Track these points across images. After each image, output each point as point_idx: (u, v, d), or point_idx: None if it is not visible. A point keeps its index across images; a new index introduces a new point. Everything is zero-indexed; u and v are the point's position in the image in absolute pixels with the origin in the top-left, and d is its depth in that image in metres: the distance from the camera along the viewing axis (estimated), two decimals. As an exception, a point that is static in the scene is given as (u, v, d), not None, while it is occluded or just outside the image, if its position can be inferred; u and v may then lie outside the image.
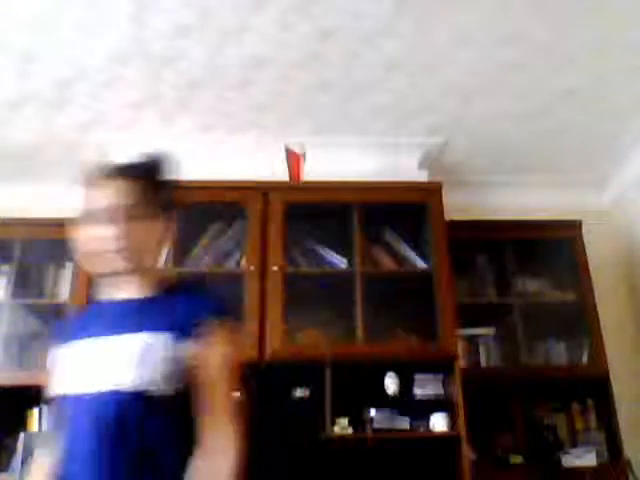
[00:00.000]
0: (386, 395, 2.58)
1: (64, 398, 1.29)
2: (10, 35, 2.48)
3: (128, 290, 1.37)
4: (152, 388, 1.22)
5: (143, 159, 1.42)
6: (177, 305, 1.34)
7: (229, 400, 1.32)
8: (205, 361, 1.28)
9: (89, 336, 1.32)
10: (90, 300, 1.33)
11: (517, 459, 2.75)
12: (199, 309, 1.33)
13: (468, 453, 2.45)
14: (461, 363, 2.63)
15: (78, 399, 1.26)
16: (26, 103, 2.87)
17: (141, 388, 1.22)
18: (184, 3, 2.35)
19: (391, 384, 2.60)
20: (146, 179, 1.38)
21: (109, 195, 1.32)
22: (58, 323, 1.47)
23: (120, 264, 1.32)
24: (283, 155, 2.97)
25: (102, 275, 1.37)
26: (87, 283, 2.61)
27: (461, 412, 2.47)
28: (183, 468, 1.22)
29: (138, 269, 1.36)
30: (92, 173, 1.37)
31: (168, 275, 1.42)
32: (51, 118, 2.97)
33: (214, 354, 1.30)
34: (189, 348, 1.27)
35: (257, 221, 2.72)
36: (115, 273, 1.34)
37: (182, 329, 1.28)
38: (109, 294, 1.40)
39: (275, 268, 2.62)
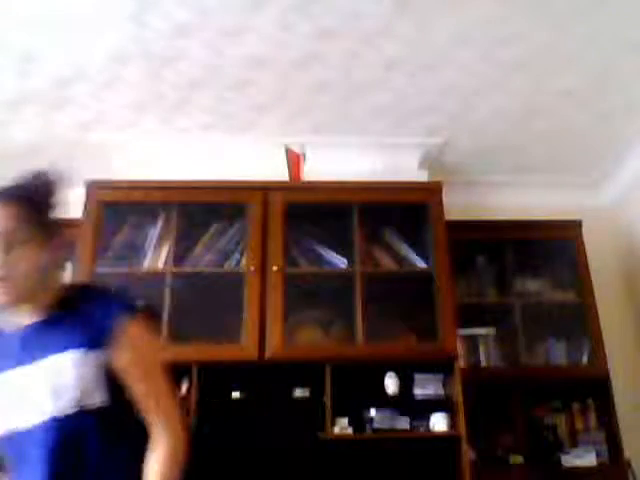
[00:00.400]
0: (386, 395, 2.58)
1: (3, 438, 1.26)
2: (10, 35, 2.48)
3: (28, 316, 1.31)
4: (84, 405, 1.20)
5: (23, 181, 1.37)
6: (84, 315, 1.29)
7: (162, 396, 1.29)
8: (128, 364, 1.26)
9: (4, 370, 1.28)
10: None
11: (517, 459, 2.76)
12: (108, 313, 1.29)
13: (468, 453, 2.45)
14: (461, 363, 2.63)
15: (18, 435, 1.23)
16: (26, 103, 2.87)
17: (75, 409, 1.20)
18: (184, 3, 2.35)
19: (391, 384, 2.60)
20: (25, 202, 1.32)
21: None
22: None
23: (4, 296, 1.26)
24: (283, 155, 2.97)
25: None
26: (87, 283, 2.61)
27: (461, 412, 2.47)
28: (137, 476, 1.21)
29: (27, 297, 1.29)
30: None
31: (64, 289, 1.36)
32: (51, 118, 2.97)
33: (134, 354, 1.27)
34: (108, 355, 1.24)
35: (257, 221, 2.72)
36: (3, 305, 1.28)
37: (95, 338, 1.25)
38: (9, 323, 1.34)
39: (275, 268, 2.62)
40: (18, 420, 1.23)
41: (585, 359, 2.95)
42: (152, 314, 1.34)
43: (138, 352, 1.28)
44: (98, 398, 1.22)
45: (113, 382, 1.24)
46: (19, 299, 1.28)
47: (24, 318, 1.32)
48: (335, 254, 2.84)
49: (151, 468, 1.22)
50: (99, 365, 1.23)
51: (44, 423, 1.20)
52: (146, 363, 1.29)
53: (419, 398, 2.59)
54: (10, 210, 1.29)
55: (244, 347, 2.51)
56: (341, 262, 2.81)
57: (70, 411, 1.20)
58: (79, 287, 1.42)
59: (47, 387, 1.21)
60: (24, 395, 1.23)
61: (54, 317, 1.31)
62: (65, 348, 1.23)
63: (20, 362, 1.26)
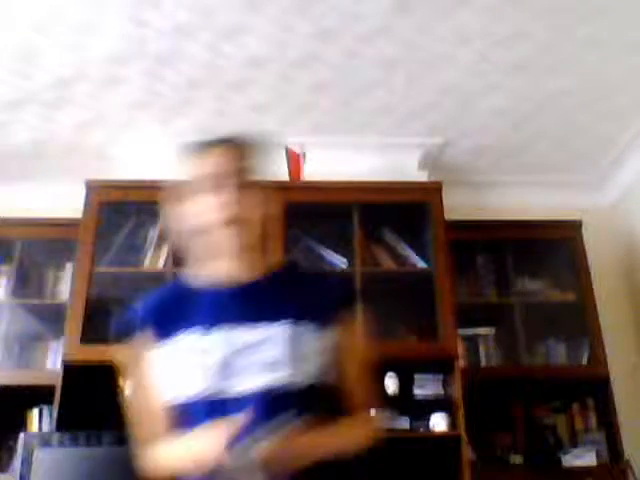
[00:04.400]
0: (386, 395, 2.58)
1: (196, 402, 1.10)
2: (10, 35, 2.48)
3: (239, 271, 1.19)
4: (303, 382, 1.09)
5: (240, 136, 1.32)
6: (306, 290, 1.22)
7: (369, 387, 1.23)
8: (348, 352, 1.19)
9: (210, 327, 1.12)
10: (175, 284, 1.20)
11: (517, 459, 2.76)
12: (335, 295, 1.24)
13: (468, 453, 2.45)
14: (461, 363, 2.63)
15: (219, 402, 1.07)
16: (26, 103, 2.86)
17: (296, 384, 1.08)
18: (184, 3, 2.35)
19: (391, 384, 2.59)
20: (252, 149, 1.29)
21: (219, 161, 1.20)
22: (134, 313, 1.23)
23: (232, 236, 1.16)
24: (283, 155, 2.97)
25: (211, 252, 1.20)
26: (87, 283, 2.61)
27: (461, 412, 2.46)
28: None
29: (249, 247, 1.19)
30: (194, 144, 1.27)
31: (273, 256, 1.28)
32: (51, 118, 2.97)
33: (356, 344, 1.22)
34: (330, 337, 1.16)
35: (257, 221, 2.72)
36: (227, 248, 1.17)
37: (329, 316, 1.17)
38: (217, 277, 1.20)
39: (275, 268, 2.62)
40: (231, 384, 1.08)
41: (585, 359, 2.95)
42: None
43: (359, 342, 1.23)
44: (318, 378, 1.12)
45: (329, 366, 1.16)
46: (245, 246, 1.19)
47: (237, 273, 1.19)
48: (335, 254, 2.83)
49: (348, 425, 1.17)
50: (323, 344, 1.15)
51: (266, 392, 1.07)
52: (363, 355, 1.24)
53: (419, 398, 2.59)
54: (239, 152, 1.25)
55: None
56: (341, 262, 2.81)
57: (295, 385, 1.08)
58: (287, 261, 1.34)
59: (280, 354, 1.09)
60: (246, 358, 1.09)
61: (273, 282, 1.21)
62: (293, 318, 1.12)
63: (238, 321, 1.12)
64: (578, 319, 2.99)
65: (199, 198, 1.18)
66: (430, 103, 2.95)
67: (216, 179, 1.18)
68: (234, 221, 1.16)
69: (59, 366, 2.53)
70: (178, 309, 1.20)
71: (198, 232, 1.19)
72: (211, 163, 1.20)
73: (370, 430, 1.23)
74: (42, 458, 2.25)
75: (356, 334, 1.23)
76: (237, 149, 1.25)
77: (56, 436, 2.33)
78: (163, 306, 1.24)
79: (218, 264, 1.20)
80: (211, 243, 1.18)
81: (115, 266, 2.73)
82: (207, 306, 1.18)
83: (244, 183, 1.20)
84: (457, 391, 2.49)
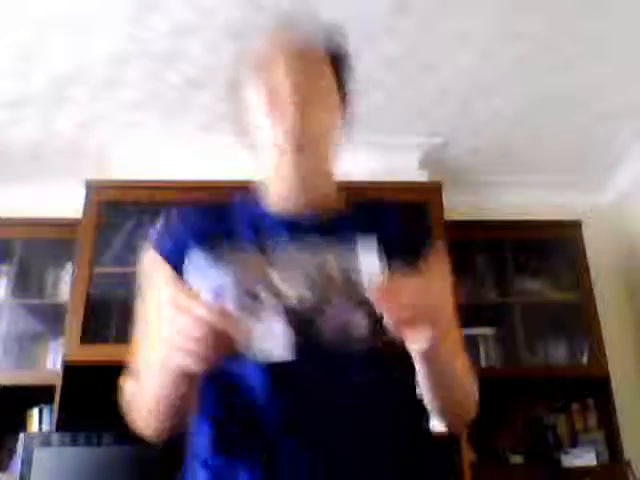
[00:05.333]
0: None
1: None
2: (10, 35, 2.48)
3: (312, 200, 1.05)
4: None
5: (327, 30, 1.12)
6: (386, 223, 1.07)
7: (456, 333, 1.07)
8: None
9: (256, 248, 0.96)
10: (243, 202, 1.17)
11: (517, 459, 2.76)
12: (418, 233, 1.14)
13: (468, 453, 2.45)
14: (461, 363, 2.62)
15: None
16: (26, 103, 2.86)
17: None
18: (184, 3, 2.35)
19: (391, 384, 2.59)
20: (338, 57, 1.11)
21: (299, 71, 1.01)
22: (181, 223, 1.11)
23: (305, 160, 1.01)
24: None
25: (281, 176, 1.05)
26: (87, 283, 2.61)
27: (461, 412, 2.46)
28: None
29: (321, 170, 1.06)
30: (274, 39, 1.09)
31: (341, 186, 1.13)
32: (51, 118, 2.96)
33: (441, 283, 0.99)
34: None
35: (257, 221, 2.72)
36: (299, 172, 1.02)
37: (403, 252, 0.97)
38: (276, 201, 1.08)
39: (275, 268, 2.61)
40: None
41: (585, 359, 2.95)
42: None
43: (444, 280, 1.01)
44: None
45: None
46: (320, 169, 1.06)
47: (309, 201, 1.04)
48: (335, 254, 2.82)
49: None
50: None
51: None
52: (447, 294, 1.02)
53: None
54: (315, 62, 1.07)
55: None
56: (341, 262, 2.80)
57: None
58: (357, 195, 1.16)
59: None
60: None
61: (349, 211, 1.07)
62: (376, 252, 0.94)
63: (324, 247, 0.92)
64: (578, 319, 2.99)
65: (273, 115, 1.02)
66: (430, 103, 2.95)
67: (296, 93, 1.00)
68: (300, 149, 1.00)
69: (59, 366, 2.53)
70: (227, 226, 1.08)
71: (272, 152, 1.04)
72: (292, 73, 1.01)
73: (475, 386, 1.05)
74: (42, 458, 2.25)
75: (442, 274, 1.00)
76: (315, 56, 1.07)
77: (56, 436, 2.33)
78: (210, 220, 1.12)
79: (280, 188, 1.07)
80: (273, 165, 1.05)
81: (115, 266, 2.72)
82: (256, 228, 1.05)
83: (325, 100, 1.05)
84: (457, 391, 2.49)
